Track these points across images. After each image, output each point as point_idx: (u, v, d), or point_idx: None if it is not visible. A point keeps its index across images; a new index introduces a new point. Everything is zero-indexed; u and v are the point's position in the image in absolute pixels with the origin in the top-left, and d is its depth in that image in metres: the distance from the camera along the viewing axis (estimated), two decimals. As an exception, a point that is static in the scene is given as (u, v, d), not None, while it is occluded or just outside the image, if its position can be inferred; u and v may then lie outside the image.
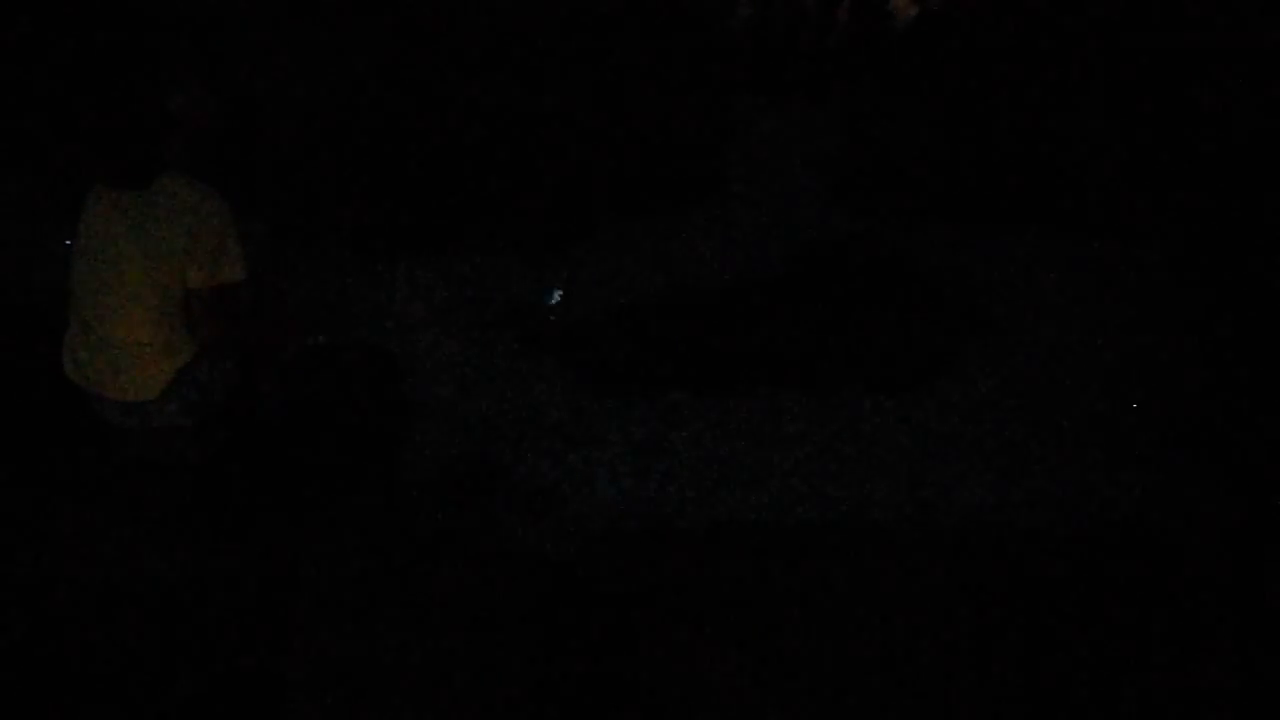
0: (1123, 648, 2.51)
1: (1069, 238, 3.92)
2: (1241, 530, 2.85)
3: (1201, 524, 2.87)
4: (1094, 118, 4.22)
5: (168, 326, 2.24)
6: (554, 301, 3.60)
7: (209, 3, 4.20)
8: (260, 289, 2.86)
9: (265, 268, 3.36)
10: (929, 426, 3.20)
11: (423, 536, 2.79)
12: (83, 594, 2.52)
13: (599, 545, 2.79)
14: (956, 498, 2.98)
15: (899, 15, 4.61)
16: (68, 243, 2.36)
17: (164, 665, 2.37)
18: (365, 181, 3.92)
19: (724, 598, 2.61)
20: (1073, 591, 2.65)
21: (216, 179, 2.26)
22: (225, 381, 2.39)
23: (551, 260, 3.74)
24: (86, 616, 2.47)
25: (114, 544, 2.62)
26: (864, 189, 4.10)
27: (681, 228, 3.91)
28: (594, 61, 4.30)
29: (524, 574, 2.69)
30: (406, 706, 2.33)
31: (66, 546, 2.63)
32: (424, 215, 3.84)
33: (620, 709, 2.37)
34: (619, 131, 4.15)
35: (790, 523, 2.89)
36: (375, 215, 3.84)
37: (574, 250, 3.78)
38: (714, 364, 3.37)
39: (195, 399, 2.32)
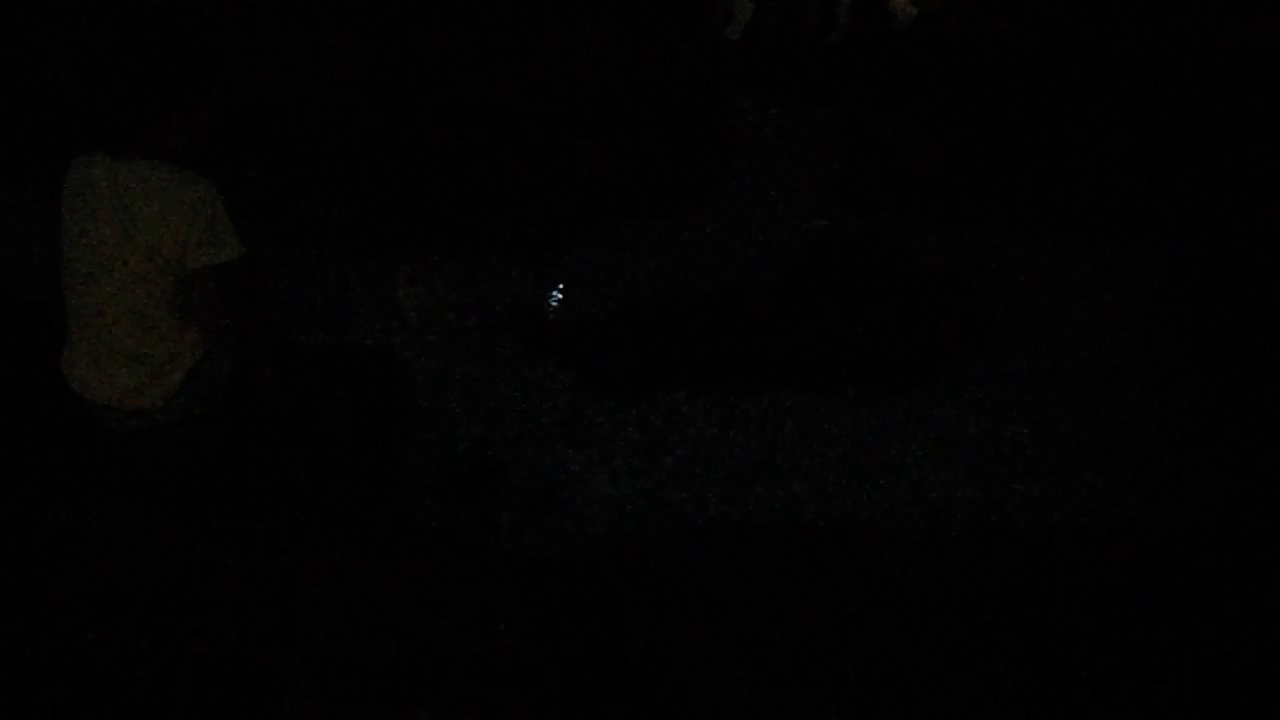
0: (1123, 647, 2.51)
1: (1069, 238, 3.92)
2: (1241, 530, 2.85)
3: (1201, 524, 2.87)
4: (1094, 117, 4.22)
5: (169, 311, 2.19)
6: (554, 301, 3.60)
7: (208, 2, 4.20)
8: (256, 282, 2.85)
9: (263, 266, 3.36)
10: (929, 426, 3.20)
11: (423, 536, 2.79)
12: (83, 593, 2.51)
13: (598, 545, 2.78)
14: (957, 498, 2.98)
15: (899, 15, 4.61)
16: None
17: (164, 664, 2.37)
18: (364, 181, 3.91)
19: (724, 598, 2.60)
20: (1073, 591, 2.65)
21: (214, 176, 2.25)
22: (227, 372, 2.38)
23: (551, 260, 3.73)
24: (86, 616, 2.47)
25: (114, 543, 2.62)
26: (864, 189, 4.10)
27: (681, 228, 3.91)
28: (594, 60, 4.30)
29: (524, 573, 2.68)
30: (406, 706, 2.32)
31: (66, 546, 2.62)
32: (423, 215, 3.84)
33: (619, 709, 2.36)
34: (619, 132, 4.15)
35: (790, 523, 2.89)
36: (375, 215, 3.83)
37: (574, 250, 3.78)
38: (714, 364, 3.37)
39: (204, 390, 2.32)
